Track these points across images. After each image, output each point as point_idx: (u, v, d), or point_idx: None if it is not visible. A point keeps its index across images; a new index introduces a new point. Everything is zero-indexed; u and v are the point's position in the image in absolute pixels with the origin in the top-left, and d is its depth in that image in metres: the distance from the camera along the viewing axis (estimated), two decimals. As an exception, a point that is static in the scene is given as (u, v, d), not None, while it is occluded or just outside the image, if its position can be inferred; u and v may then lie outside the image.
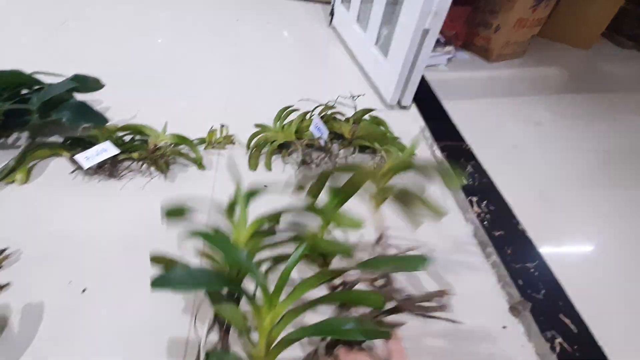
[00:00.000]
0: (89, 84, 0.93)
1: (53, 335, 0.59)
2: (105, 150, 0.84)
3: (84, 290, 0.64)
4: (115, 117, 1.03)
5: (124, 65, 1.27)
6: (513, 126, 1.29)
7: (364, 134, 1.04)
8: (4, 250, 0.65)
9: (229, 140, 1.01)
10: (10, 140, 0.90)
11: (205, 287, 0.42)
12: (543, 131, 1.29)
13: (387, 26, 1.33)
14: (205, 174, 0.92)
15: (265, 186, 0.92)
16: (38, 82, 0.91)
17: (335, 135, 1.07)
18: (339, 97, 1.27)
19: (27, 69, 0.93)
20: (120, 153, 0.86)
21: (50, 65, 1.00)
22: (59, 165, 0.87)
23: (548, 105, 1.44)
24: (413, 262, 0.47)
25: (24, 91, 0.92)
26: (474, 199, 0.95)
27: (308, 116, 1.09)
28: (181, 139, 0.93)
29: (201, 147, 0.99)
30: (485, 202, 0.94)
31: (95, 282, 0.66)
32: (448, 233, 0.88)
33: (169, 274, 0.42)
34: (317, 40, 1.68)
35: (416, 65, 1.19)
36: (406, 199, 0.60)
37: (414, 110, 1.31)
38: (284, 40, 1.62)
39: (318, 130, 0.99)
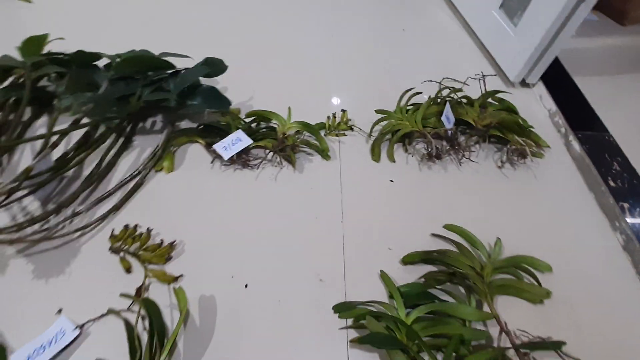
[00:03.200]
0: (217, 66, 0.92)
1: (229, 328, 0.64)
2: (239, 140, 0.84)
3: (246, 286, 0.68)
4: (234, 98, 1.01)
5: (234, 45, 1.23)
6: (666, 112, 1.10)
7: (494, 122, 0.94)
8: (173, 242, 0.70)
9: (348, 126, 0.97)
10: (148, 124, 0.93)
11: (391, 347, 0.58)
12: None
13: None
14: (331, 165, 0.90)
15: (391, 181, 0.88)
16: (169, 65, 0.91)
17: (459, 122, 0.98)
18: (452, 76, 1.15)
19: (136, 46, 0.94)
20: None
21: (166, 44, 0.99)
22: (196, 152, 0.89)
23: None
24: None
25: (151, 72, 0.92)
26: (626, 205, 0.85)
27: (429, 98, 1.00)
28: (306, 127, 0.91)
29: (321, 133, 0.96)
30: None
31: (254, 277, 0.70)
32: (589, 245, 0.81)
33: (372, 336, 0.59)
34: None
35: (557, 39, 1.02)
36: (510, 290, 0.69)
37: (540, 88, 1.15)
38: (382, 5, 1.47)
39: (447, 120, 0.91)
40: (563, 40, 1.02)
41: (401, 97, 1.00)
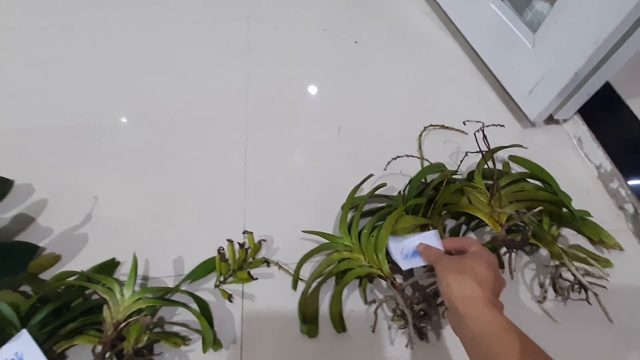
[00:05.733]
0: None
1: None
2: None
3: None
4: (55, 225, 0.57)
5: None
6: None
7: (518, 218, 0.52)
8: None
9: (258, 260, 0.54)
10: None
11: None
12: None
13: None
14: (222, 358, 0.48)
15: (339, 382, 0.46)
16: None
17: (460, 222, 0.56)
18: (435, 118, 0.71)
19: None
20: (51, 354, 0.43)
21: None
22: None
23: None
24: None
25: None
26: None
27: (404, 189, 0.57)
28: (166, 301, 0.47)
29: (206, 284, 0.53)
30: None
31: None
32: None
33: None
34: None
35: (614, 57, 0.58)
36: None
37: (576, 126, 0.72)
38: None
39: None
40: (623, 58, 0.58)
41: (350, 197, 0.56)
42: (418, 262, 0.46)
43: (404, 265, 0.47)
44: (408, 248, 0.47)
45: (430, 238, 0.47)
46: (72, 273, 0.49)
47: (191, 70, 0.80)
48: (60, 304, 0.47)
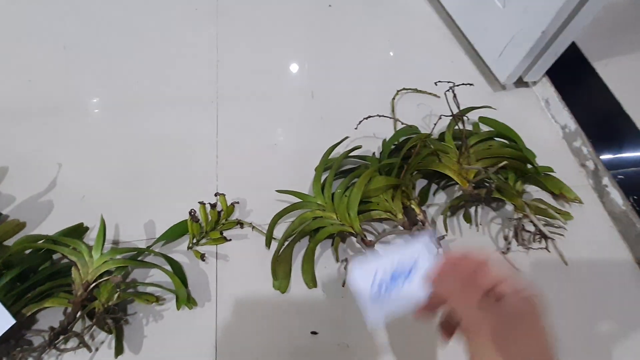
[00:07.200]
0: None
1: None
2: (-18, 324, 0.41)
3: None
4: (18, 194, 0.55)
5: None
6: None
7: (486, 172, 0.53)
8: None
9: (231, 222, 0.54)
10: None
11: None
12: None
13: None
14: (196, 315, 0.48)
15: (313, 333, 0.48)
16: None
17: (431, 175, 0.57)
18: (409, 81, 0.71)
19: None
20: (20, 317, 0.42)
21: None
22: None
23: None
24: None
25: None
26: None
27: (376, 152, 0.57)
28: (136, 262, 0.47)
29: (179, 247, 0.53)
30: None
31: None
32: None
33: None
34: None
35: (579, 15, 0.59)
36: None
37: (545, 88, 0.74)
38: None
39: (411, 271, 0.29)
40: (592, 11, 0.59)
41: (324, 159, 0.56)
42: (406, 303, 0.26)
43: (375, 313, 0.26)
44: (390, 273, 0.26)
45: (421, 251, 0.27)
46: (38, 237, 0.47)
47: (157, 35, 0.76)
48: (25, 268, 0.46)
